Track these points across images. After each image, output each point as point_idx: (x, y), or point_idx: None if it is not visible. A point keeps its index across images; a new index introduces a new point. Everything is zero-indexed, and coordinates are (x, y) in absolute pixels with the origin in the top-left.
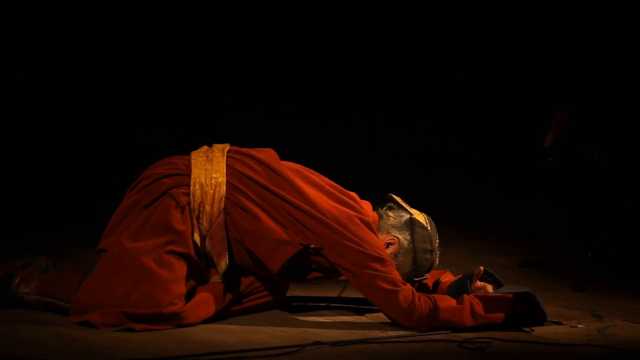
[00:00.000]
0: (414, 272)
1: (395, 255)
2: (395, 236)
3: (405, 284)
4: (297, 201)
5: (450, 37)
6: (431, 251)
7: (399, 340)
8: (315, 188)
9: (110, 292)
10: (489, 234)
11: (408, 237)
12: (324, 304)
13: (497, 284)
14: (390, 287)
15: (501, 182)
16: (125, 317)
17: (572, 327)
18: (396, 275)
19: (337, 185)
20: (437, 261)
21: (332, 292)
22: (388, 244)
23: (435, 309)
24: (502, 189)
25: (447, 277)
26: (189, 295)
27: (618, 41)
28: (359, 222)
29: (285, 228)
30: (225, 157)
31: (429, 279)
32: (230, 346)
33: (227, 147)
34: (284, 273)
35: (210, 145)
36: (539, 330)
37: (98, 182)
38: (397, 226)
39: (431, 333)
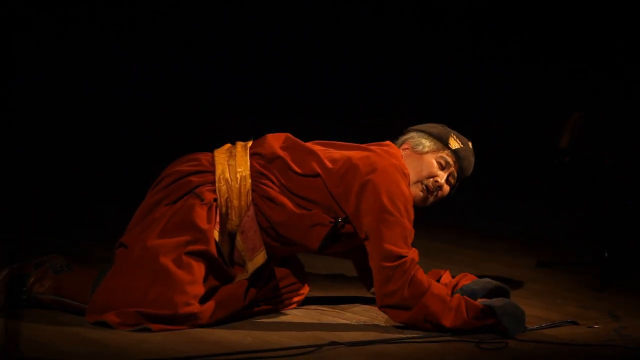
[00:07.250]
0: (440, 142)
1: (415, 147)
2: (404, 141)
3: (410, 249)
4: (321, 172)
5: (450, 37)
6: (441, 125)
7: (415, 341)
8: (336, 148)
9: (128, 292)
10: (498, 234)
11: (413, 133)
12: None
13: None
14: (394, 248)
15: (502, 182)
16: (142, 317)
17: (589, 327)
18: (401, 237)
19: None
20: (454, 133)
21: (349, 292)
22: (405, 150)
23: (423, 293)
24: (503, 189)
25: (448, 277)
26: (209, 295)
27: (619, 41)
28: (380, 155)
29: (310, 210)
30: (248, 152)
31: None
32: (246, 346)
33: (250, 143)
34: (323, 249)
35: (233, 143)
36: (557, 331)
37: (98, 182)
38: (402, 138)
39: (447, 335)
